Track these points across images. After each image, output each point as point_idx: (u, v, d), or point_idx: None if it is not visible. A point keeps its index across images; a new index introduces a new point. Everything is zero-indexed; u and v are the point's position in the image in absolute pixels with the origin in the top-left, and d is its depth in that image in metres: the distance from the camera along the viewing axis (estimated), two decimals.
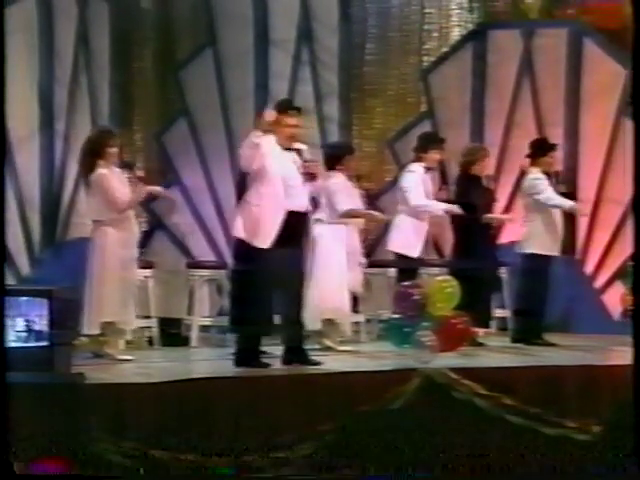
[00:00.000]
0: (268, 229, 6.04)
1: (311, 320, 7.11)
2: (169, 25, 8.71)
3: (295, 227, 6.10)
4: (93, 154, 6.56)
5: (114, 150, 6.55)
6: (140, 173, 6.98)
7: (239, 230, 6.14)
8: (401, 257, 7.54)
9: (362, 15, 8.81)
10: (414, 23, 8.83)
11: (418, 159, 7.52)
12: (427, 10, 8.84)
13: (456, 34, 8.87)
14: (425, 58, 8.85)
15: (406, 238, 7.47)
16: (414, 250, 7.46)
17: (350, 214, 7.16)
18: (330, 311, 7.12)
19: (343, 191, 7.17)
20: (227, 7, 8.63)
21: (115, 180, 6.53)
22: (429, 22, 8.85)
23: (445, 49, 8.84)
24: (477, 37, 8.81)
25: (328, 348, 7.13)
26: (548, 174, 7.67)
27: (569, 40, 8.63)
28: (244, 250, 6.12)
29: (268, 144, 6.08)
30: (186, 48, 8.73)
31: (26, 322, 5.53)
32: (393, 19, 8.84)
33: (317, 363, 6.22)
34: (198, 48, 8.71)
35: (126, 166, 6.83)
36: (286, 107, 6.16)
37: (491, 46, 8.79)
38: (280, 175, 6.07)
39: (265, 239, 6.03)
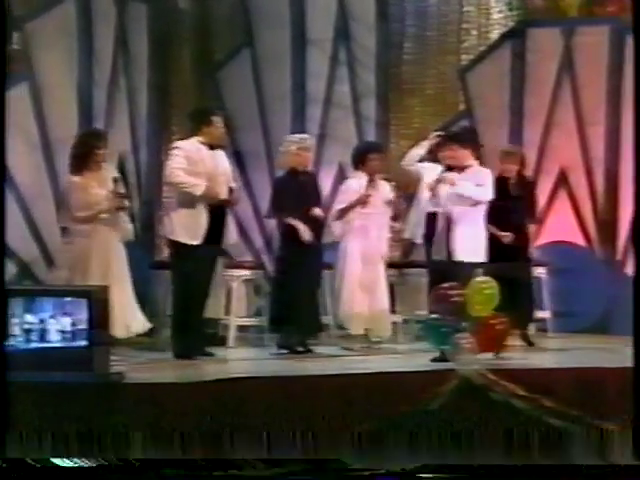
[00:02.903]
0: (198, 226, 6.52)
1: (353, 325, 7.12)
2: (207, 26, 8.74)
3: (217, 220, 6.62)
4: (78, 156, 6.78)
5: (101, 152, 6.75)
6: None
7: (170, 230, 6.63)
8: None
9: (400, 14, 8.77)
10: (452, 22, 8.78)
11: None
12: (466, 8, 8.78)
13: (495, 33, 8.79)
14: (463, 57, 8.78)
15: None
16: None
17: (341, 215, 7.15)
18: (367, 313, 7.14)
19: (347, 192, 7.16)
20: (264, 7, 8.64)
21: (82, 188, 6.65)
22: (467, 20, 8.79)
23: (484, 48, 8.77)
24: (516, 35, 8.73)
25: (367, 347, 7.13)
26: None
27: (611, 38, 8.53)
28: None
29: (192, 146, 6.65)
30: (224, 49, 8.76)
31: (66, 322, 5.57)
32: (431, 18, 8.79)
33: (210, 354, 6.65)
34: (236, 48, 8.73)
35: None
36: (212, 112, 6.84)
37: (530, 44, 8.70)
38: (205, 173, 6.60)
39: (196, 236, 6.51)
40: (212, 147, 6.73)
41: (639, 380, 5.07)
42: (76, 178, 6.78)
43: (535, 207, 7.76)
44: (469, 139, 6.65)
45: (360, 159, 7.29)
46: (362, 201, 7.22)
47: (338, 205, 7.30)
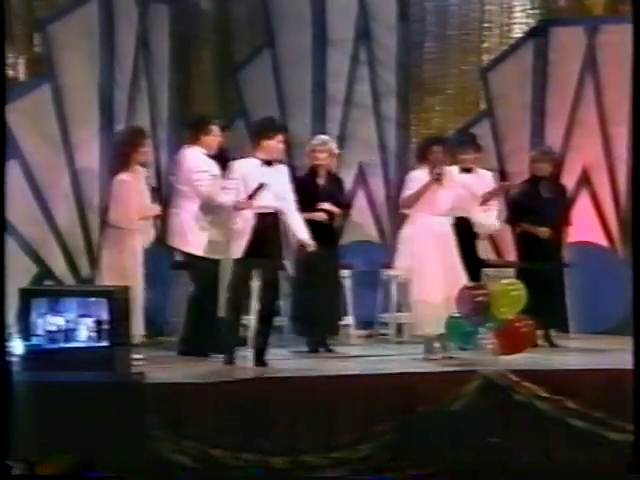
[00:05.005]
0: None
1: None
2: (227, 27, 8.75)
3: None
4: (123, 155, 6.61)
5: (144, 150, 6.62)
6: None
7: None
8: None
9: (421, 13, 8.74)
10: (474, 21, 8.74)
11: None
12: (487, 7, 8.73)
13: (517, 31, 8.74)
14: (485, 56, 8.74)
15: None
16: None
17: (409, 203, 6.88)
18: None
19: (410, 186, 6.93)
20: (285, 8, 8.64)
21: (134, 189, 6.52)
22: (489, 19, 8.75)
23: (505, 47, 8.73)
24: (538, 34, 8.68)
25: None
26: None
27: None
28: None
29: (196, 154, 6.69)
30: (244, 49, 8.77)
31: (87, 322, 5.59)
32: (452, 17, 8.76)
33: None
34: (256, 49, 8.74)
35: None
36: (209, 121, 6.85)
37: (553, 43, 8.64)
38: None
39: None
40: (210, 157, 6.71)
41: (639, 381, 5.00)
42: (124, 176, 6.54)
43: (567, 209, 7.68)
44: None
45: (422, 153, 6.93)
46: (431, 185, 6.77)
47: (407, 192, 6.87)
